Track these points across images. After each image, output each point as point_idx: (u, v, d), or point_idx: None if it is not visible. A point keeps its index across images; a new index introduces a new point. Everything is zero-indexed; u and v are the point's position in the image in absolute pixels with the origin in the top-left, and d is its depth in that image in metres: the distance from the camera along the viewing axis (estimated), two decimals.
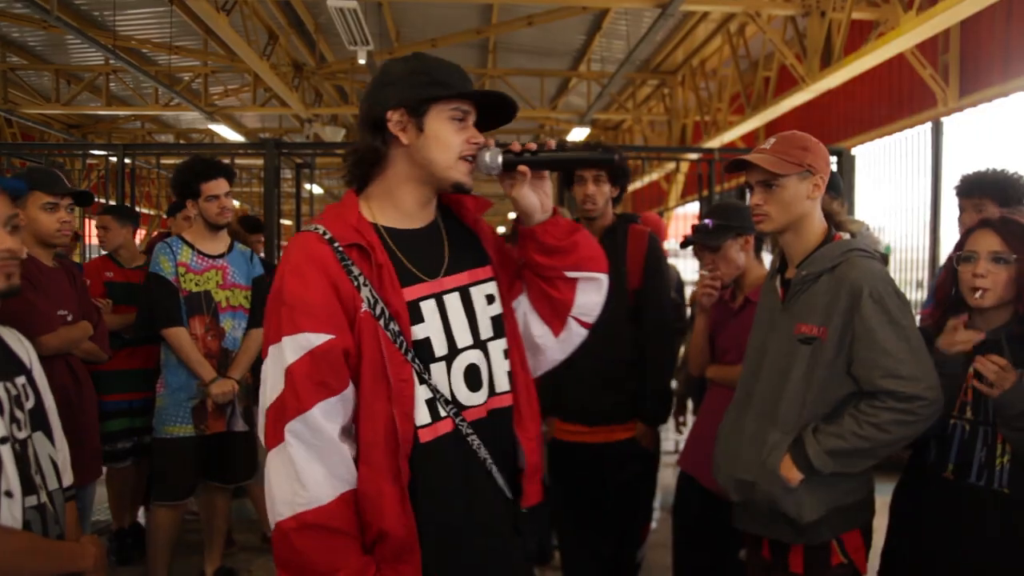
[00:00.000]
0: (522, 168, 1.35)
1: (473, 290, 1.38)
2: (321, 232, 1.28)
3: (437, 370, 1.30)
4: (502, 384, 1.38)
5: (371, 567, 1.24)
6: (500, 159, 1.34)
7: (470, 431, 1.31)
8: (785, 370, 1.75)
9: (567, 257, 1.41)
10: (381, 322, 1.25)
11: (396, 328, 1.26)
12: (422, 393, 1.28)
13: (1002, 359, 1.66)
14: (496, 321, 1.39)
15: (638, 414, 2.67)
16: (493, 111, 1.39)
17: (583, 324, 1.50)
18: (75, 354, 2.65)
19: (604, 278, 1.48)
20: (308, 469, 1.20)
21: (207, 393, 2.92)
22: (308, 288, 1.24)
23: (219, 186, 2.98)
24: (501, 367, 1.38)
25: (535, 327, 1.48)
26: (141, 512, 3.80)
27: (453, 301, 1.35)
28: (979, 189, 2.55)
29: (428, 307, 1.32)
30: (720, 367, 2.48)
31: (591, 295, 1.46)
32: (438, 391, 1.29)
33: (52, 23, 5.89)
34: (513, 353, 1.41)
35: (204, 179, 2.96)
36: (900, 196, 6.63)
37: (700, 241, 2.44)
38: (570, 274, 1.42)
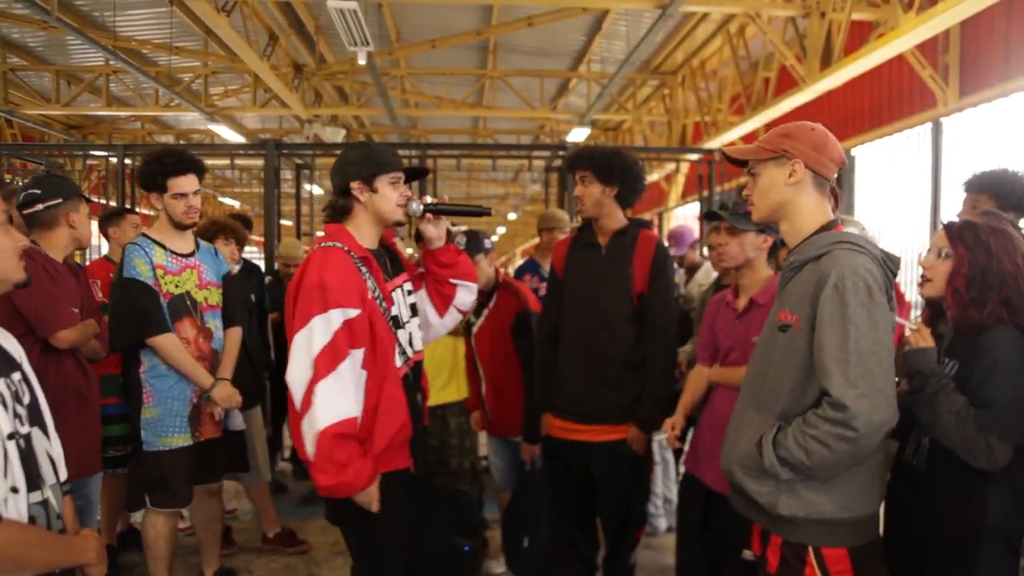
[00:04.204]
0: (427, 215, 2.20)
1: (404, 286, 2.26)
2: (342, 247, 2.05)
3: (402, 334, 2.16)
4: (418, 345, 2.27)
5: (369, 464, 1.99)
6: (420, 208, 2.18)
7: (408, 371, 2.16)
8: (766, 356, 1.75)
9: (452, 270, 2.30)
10: (379, 303, 2.06)
11: (385, 307, 2.09)
12: (397, 349, 2.12)
13: (922, 324, 1.91)
14: (412, 307, 2.28)
15: (633, 416, 2.67)
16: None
17: (461, 312, 2.39)
18: (82, 350, 2.72)
19: (474, 286, 2.37)
20: (353, 390, 1.97)
21: (211, 400, 2.82)
22: (345, 280, 1.99)
23: (188, 183, 2.78)
24: (417, 335, 2.27)
25: (429, 312, 2.34)
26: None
27: (399, 294, 2.21)
28: (978, 186, 2.60)
29: (396, 295, 2.19)
30: (723, 369, 2.48)
31: (466, 295, 2.36)
32: (401, 346, 2.14)
33: (52, 24, 5.89)
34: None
35: (172, 174, 2.75)
36: (900, 196, 6.64)
37: (726, 218, 2.43)
38: (453, 280, 2.31)
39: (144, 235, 2.85)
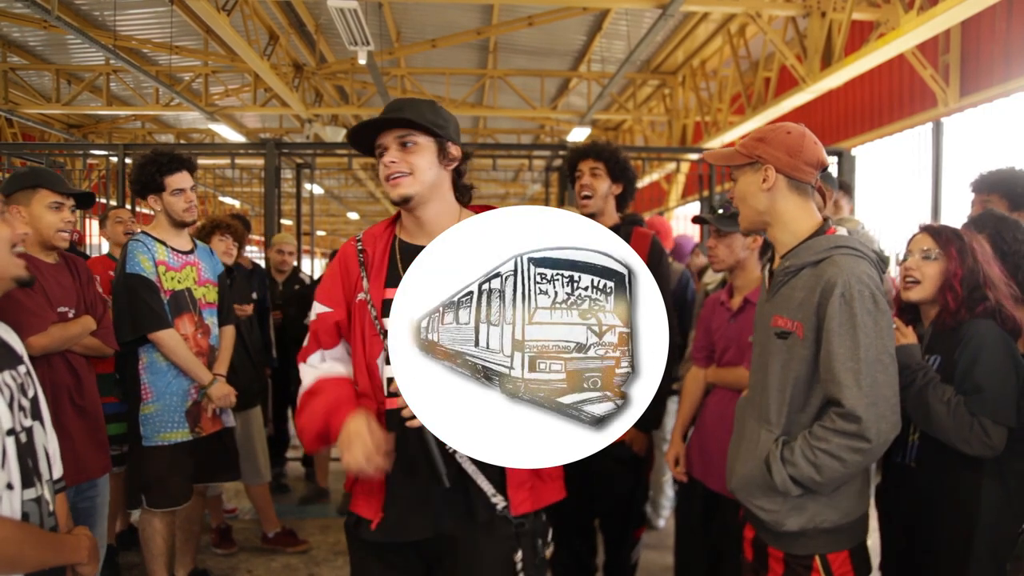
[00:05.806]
0: None
1: None
2: (358, 236, 1.73)
3: None
4: None
5: (330, 397, 1.60)
6: None
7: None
8: (765, 364, 1.70)
9: None
10: (369, 307, 1.63)
11: (375, 314, 1.62)
12: (387, 371, 1.59)
13: (900, 322, 1.94)
14: None
15: None
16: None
17: None
18: (75, 351, 2.54)
19: None
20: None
21: (208, 397, 2.84)
22: (330, 275, 1.72)
23: (184, 179, 2.84)
24: None
25: None
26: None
27: None
28: (988, 186, 2.56)
29: None
30: (718, 369, 2.48)
31: None
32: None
33: (53, 23, 5.89)
34: None
35: (168, 172, 2.81)
36: (901, 196, 6.64)
37: (712, 222, 2.44)
38: None
39: (145, 232, 2.87)
